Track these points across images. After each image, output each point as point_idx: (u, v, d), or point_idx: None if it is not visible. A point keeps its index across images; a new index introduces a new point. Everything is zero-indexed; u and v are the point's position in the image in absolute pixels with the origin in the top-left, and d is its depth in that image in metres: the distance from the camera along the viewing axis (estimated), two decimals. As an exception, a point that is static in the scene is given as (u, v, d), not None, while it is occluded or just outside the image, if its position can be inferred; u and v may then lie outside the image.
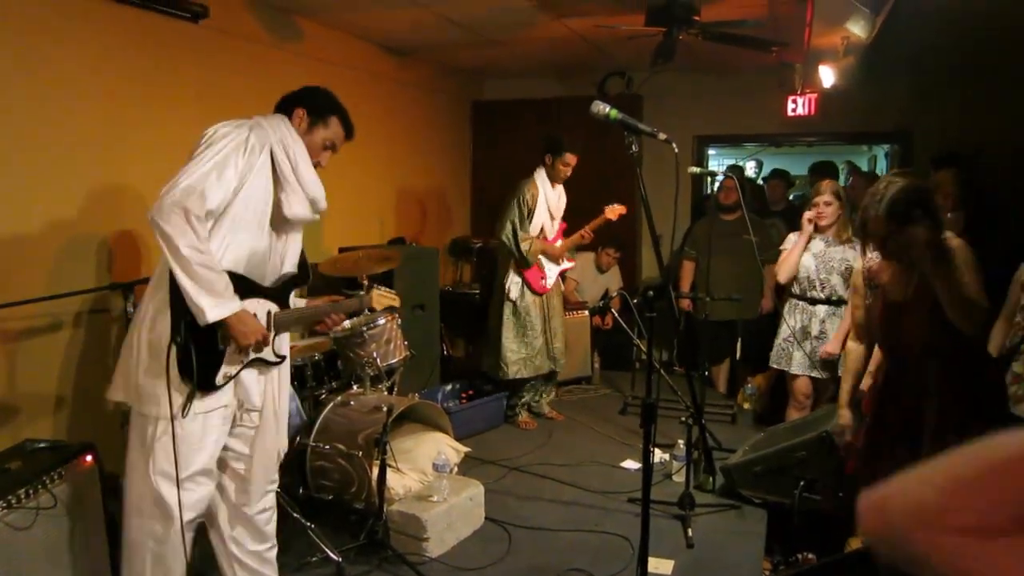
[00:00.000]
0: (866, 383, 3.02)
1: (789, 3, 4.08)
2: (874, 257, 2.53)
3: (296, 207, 2.29)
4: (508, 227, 4.51)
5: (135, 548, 2.20)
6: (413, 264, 4.92)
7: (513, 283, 4.60)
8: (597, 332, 5.73)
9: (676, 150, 2.42)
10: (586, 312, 5.62)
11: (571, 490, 3.75)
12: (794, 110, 5.73)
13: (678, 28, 4.10)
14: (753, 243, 4.19)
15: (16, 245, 2.94)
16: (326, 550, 2.89)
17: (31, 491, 2.28)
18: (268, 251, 2.29)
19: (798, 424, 3.71)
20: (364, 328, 3.56)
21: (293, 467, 3.24)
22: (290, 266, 2.41)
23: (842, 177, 7.31)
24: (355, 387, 3.65)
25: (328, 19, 4.65)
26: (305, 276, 2.49)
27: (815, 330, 3.85)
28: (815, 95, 5.61)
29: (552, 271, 4.68)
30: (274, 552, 2.54)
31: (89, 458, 2.51)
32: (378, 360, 3.53)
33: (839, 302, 3.81)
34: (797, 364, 3.89)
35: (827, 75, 4.64)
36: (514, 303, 4.61)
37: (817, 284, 3.84)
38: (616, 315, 5.04)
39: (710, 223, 5.19)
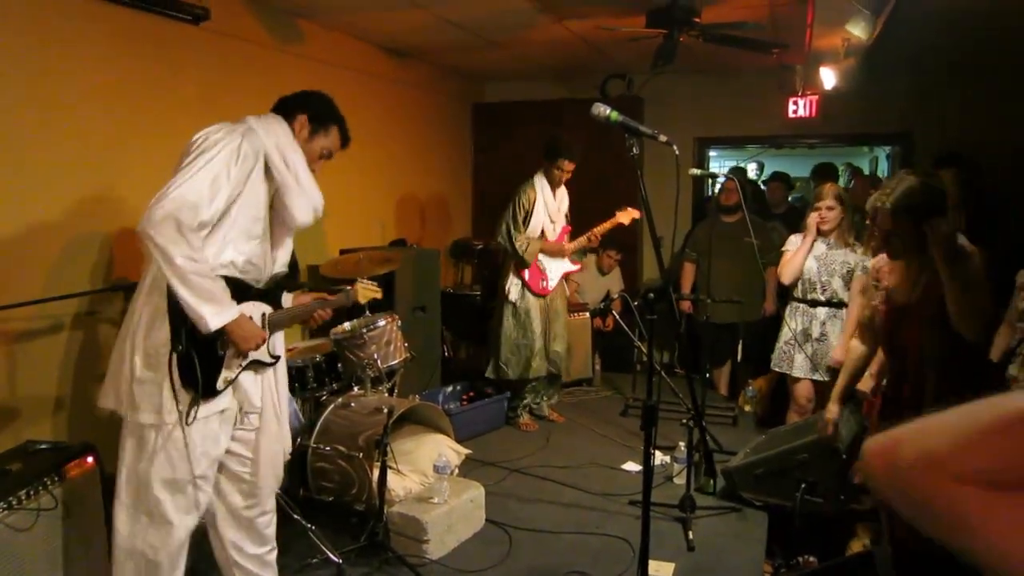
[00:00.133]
0: (866, 384, 3.01)
1: (789, 5, 4.09)
2: (884, 258, 2.52)
3: (301, 215, 2.28)
4: (503, 227, 4.55)
5: (129, 556, 2.17)
6: (414, 266, 4.92)
7: (513, 284, 4.61)
8: (598, 334, 5.73)
9: (677, 152, 2.42)
10: (587, 314, 5.62)
11: (572, 492, 3.74)
12: (795, 112, 5.74)
13: (679, 30, 4.10)
14: (754, 245, 4.19)
15: (17, 247, 2.95)
16: (326, 552, 2.89)
17: (32, 492, 2.28)
18: (264, 254, 2.29)
19: (799, 426, 3.70)
20: (364, 330, 3.56)
21: (294, 469, 3.24)
22: (281, 266, 2.40)
23: (843, 179, 7.30)
24: (356, 389, 3.65)
25: (329, 21, 4.66)
26: (295, 275, 2.50)
27: (816, 332, 3.85)
28: (816, 97, 5.61)
29: (554, 273, 4.67)
30: (274, 555, 2.54)
31: (90, 459, 2.51)
32: (379, 362, 3.53)
33: (840, 304, 3.81)
34: (799, 367, 3.89)
35: (828, 77, 4.65)
36: (514, 304, 4.61)
37: (818, 286, 3.84)
38: (617, 317, 5.04)
39: (711, 225, 5.19)
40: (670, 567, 2.98)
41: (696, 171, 5.03)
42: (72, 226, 3.17)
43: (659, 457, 4.00)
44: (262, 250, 2.27)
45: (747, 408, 5.03)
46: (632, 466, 4.07)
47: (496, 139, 6.84)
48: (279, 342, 2.43)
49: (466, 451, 3.69)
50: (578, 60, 5.85)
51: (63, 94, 3.12)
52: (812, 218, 3.81)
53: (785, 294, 4.12)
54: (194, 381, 2.11)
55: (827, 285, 3.82)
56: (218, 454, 2.25)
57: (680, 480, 3.66)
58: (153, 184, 2.11)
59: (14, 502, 2.22)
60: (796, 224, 4.19)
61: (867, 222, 3.37)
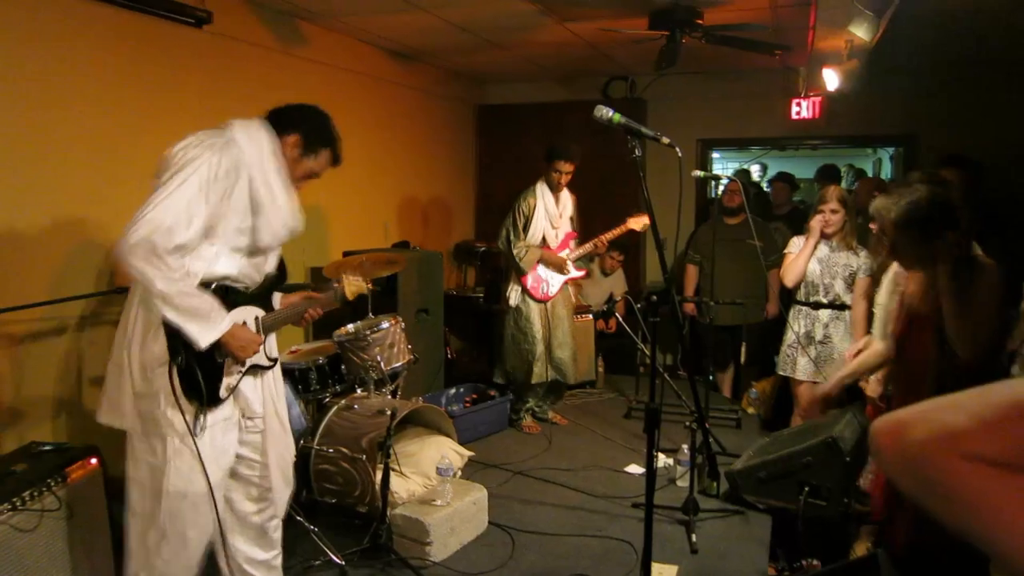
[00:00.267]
0: (875, 390, 3.00)
1: (792, 6, 4.08)
2: None
3: (267, 237, 2.21)
4: (503, 234, 4.56)
5: (144, 569, 2.14)
6: (417, 268, 4.93)
7: (513, 290, 4.62)
8: (601, 336, 5.73)
9: (680, 154, 2.42)
10: (590, 316, 5.61)
11: (575, 494, 3.74)
12: (798, 113, 5.73)
13: (681, 32, 4.10)
14: (757, 247, 4.19)
15: (22, 249, 2.95)
16: (329, 554, 2.89)
17: (35, 493, 2.29)
18: (256, 262, 2.27)
19: (803, 429, 3.69)
20: (368, 332, 3.56)
21: (297, 471, 3.24)
22: (270, 267, 2.38)
23: (845, 181, 7.29)
24: (359, 391, 3.65)
25: (332, 23, 4.67)
26: (283, 276, 2.47)
27: (819, 335, 3.84)
28: (819, 98, 5.60)
29: (555, 279, 4.66)
30: (280, 559, 2.52)
31: (93, 461, 2.52)
32: (382, 364, 3.53)
33: (842, 307, 3.80)
34: (802, 370, 3.88)
35: (831, 78, 4.64)
36: (515, 309, 4.61)
37: (820, 289, 3.83)
38: (620, 319, 5.04)
39: (714, 227, 5.18)
40: (673, 570, 2.97)
41: (699, 173, 5.02)
42: (77, 229, 3.18)
43: (662, 460, 3.99)
44: (251, 259, 2.25)
45: (750, 410, 5.02)
46: (635, 468, 4.07)
47: (499, 141, 6.84)
48: (272, 344, 2.42)
49: (469, 453, 3.69)
50: (581, 62, 5.85)
51: (66, 97, 3.13)
52: (815, 220, 3.81)
53: (788, 296, 4.11)
54: (198, 391, 2.09)
55: (829, 288, 3.82)
56: (228, 462, 2.23)
57: (683, 483, 3.66)
58: (156, 187, 2.10)
59: (18, 503, 2.23)
60: (799, 225, 4.18)
61: (870, 226, 3.37)
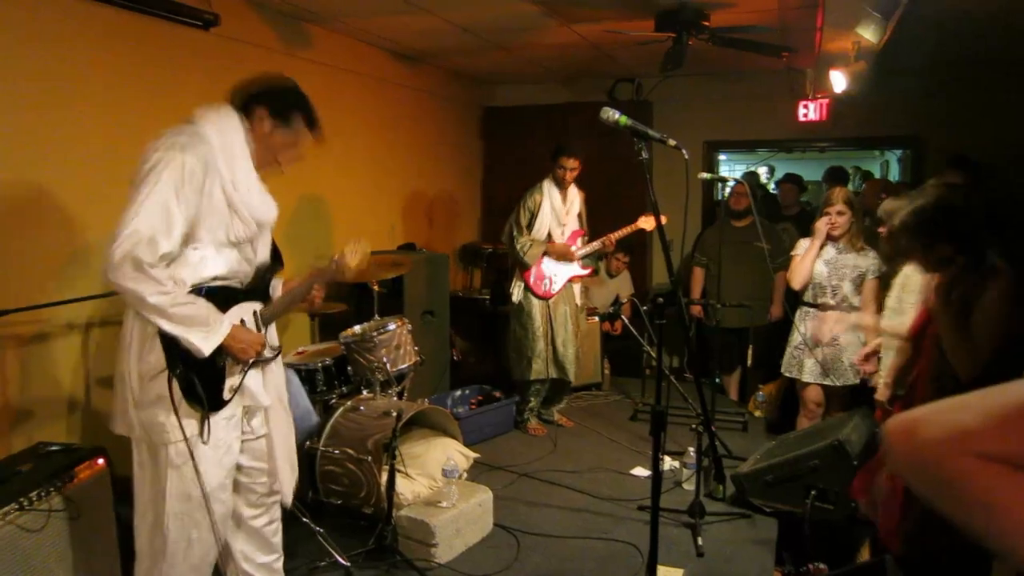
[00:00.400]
0: (882, 394, 2.99)
1: (799, 8, 4.07)
2: None
3: (240, 230, 2.15)
4: (507, 228, 4.58)
5: (150, 570, 2.14)
6: (423, 270, 4.94)
7: (516, 286, 4.63)
8: (607, 338, 5.72)
9: (686, 156, 2.42)
10: (596, 318, 5.61)
11: (580, 497, 3.73)
12: (805, 115, 5.72)
13: (688, 33, 4.10)
14: (764, 250, 4.17)
15: (30, 250, 2.97)
16: (335, 555, 2.89)
17: (43, 494, 2.30)
18: (244, 256, 2.22)
19: (810, 432, 3.68)
20: (374, 333, 3.57)
21: (303, 471, 3.25)
22: (263, 257, 2.32)
23: (853, 183, 7.27)
24: (365, 392, 3.66)
25: (338, 26, 4.68)
26: (279, 262, 2.41)
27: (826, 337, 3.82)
28: (826, 100, 5.59)
29: (558, 276, 4.65)
30: (281, 562, 2.51)
31: (100, 461, 2.53)
32: (388, 365, 3.53)
33: (849, 309, 3.78)
34: (808, 372, 3.87)
35: (838, 80, 4.62)
36: (516, 305, 4.62)
37: (828, 291, 3.82)
38: (626, 321, 5.03)
39: (720, 230, 5.18)
40: (679, 573, 2.96)
41: (706, 175, 5.02)
42: (84, 229, 3.19)
43: (668, 462, 3.98)
44: (241, 252, 2.21)
45: (757, 413, 5.00)
46: (641, 471, 4.06)
47: (505, 143, 6.85)
48: (273, 333, 2.38)
49: (474, 455, 3.69)
50: (586, 64, 5.85)
51: (73, 99, 3.15)
52: (821, 222, 3.80)
53: (795, 298, 4.10)
54: (199, 398, 2.06)
55: (837, 289, 3.80)
56: (232, 462, 2.21)
57: (689, 486, 3.65)
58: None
59: (25, 503, 2.24)
60: (807, 226, 4.17)
61: (879, 229, 3.36)
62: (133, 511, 2.17)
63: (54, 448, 2.56)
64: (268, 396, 2.32)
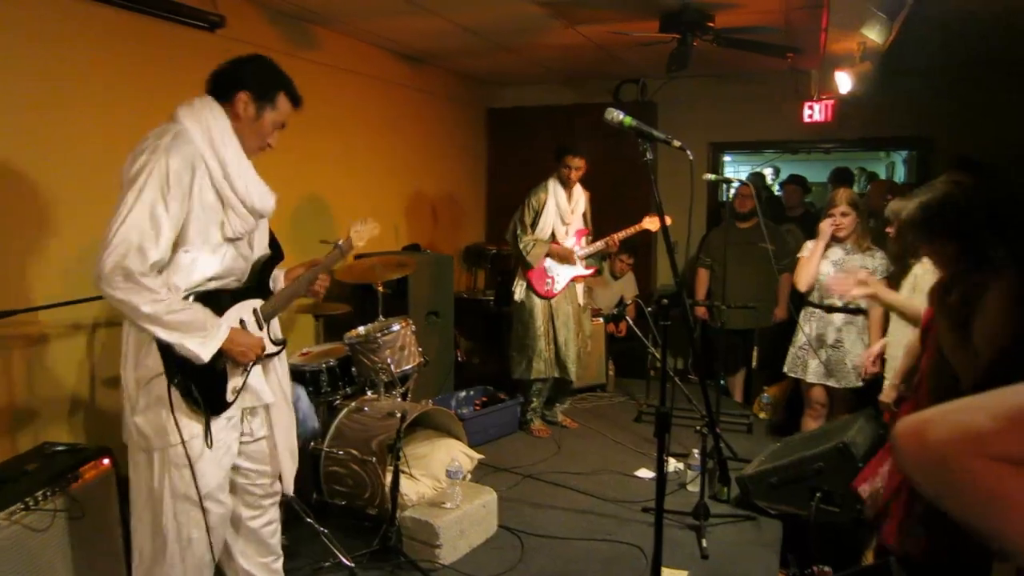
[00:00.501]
0: (888, 396, 2.97)
1: (804, 9, 4.07)
2: None
3: (237, 226, 2.10)
4: (511, 227, 4.58)
5: (149, 570, 2.12)
6: (428, 270, 4.94)
7: (518, 285, 4.63)
8: (611, 339, 5.72)
9: (691, 157, 2.41)
10: (600, 319, 5.60)
11: (585, 498, 3.73)
12: (810, 116, 5.70)
13: (692, 34, 4.10)
14: (769, 251, 4.16)
15: (37, 251, 2.98)
16: (339, 555, 2.89)
17: (48, 493, 2.31)
18: (239, 253, 2.18)
19: (815, 434, 3.67)
20: (378, 334, 3.57)
21: (307, 472, 3.25)
22: (261, 250, 2.27)
23: (858, 185, 7.25)
24: (369, 393, 3.66)
25: (344, 27, 4.69)
26: (279, 254, 2.35)
27: (831, 338, 3.81)
28: (832, 101, 5.57)
29: (561, 276, 4.64)
30: (280, 563, 2.48)
31: (106, 461, 2.54)
32: (392, 366, 3.54)
33: (856, 311, 3.77)
34: (812, 372, 3.86)
35: (843, 81, 4.61)
36: (519, 304, 4.62)
37: (834, 292, 3.80)
38: (630, 323, 5.02)
39: (725, 231, 5.17)
40: (683, 575, 2.95)
41: (710, 176, 5.01)
42: (89, 230, 3.19)
43: (673, 464, 3.97)
44: (237, 249, 2.16)
45: (762, 415, 4.99)
46: (645, 473, 4.05)
47: (510, 144, 6.85)
48: (276, 327, 2.34)
49: (479, 456, 3.69)
50: (591, 65, 5.85)
51: (78, 100, 3.16)
52: (825, 223, 3.79)
53: (800, 300, 4.09)
54: (200, 402, 2.04)
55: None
56: (230, 462, 2.19)
57: (694, 487, 3.64)
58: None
59: (31, 503, 2.24)
60: (812, 227, 4.16)
61: (887, 230, 3.34)
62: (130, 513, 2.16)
63: (59, 448, 2.58)
64: (271, 392, 2.29)
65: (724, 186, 6.43)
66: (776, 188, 7.72)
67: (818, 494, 3.18)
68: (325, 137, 4.74)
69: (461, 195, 6.63)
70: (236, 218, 2.09)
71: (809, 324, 3.89)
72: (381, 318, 3.76)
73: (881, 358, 3.39)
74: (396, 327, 3.64)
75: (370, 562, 2.97)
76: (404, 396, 3.77)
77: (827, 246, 3.81)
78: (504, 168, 6.91)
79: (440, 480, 3.35)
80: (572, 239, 4.66)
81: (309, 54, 4.53)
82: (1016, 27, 4.29)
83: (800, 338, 3.93)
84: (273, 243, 2.34)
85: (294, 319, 4.53)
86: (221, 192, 2.05)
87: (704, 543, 3.18)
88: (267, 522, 2.40)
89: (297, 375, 3.58)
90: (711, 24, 4.10)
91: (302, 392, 3.42)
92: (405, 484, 3.19)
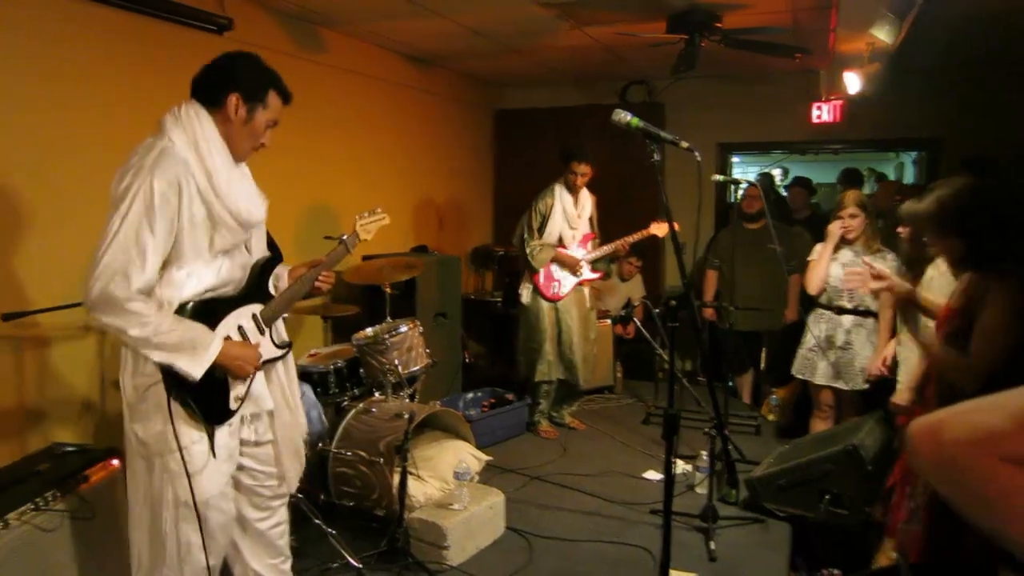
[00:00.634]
0: (903, 398, 2.95)
1: (812, 9, 4.05)
2: None
3: (227, 239, 2.06)
4: (517, 231, 4.59)
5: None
6: (435, 272, 4.94)
7: (525, 288, 4.64)
8: (620, 341, 5.71)
9: (699, 158, 2.40)
10: (608, 321, 5.59)
11: (592, 500, 3.72)
12: (819, 117, 5.68)
13: (700, 35, 4.09)
14: (778, 252, 4.15)
15: (47, 253, 3.00)
16: (347, 556, 2.90)
17: (58, 494, 2.32)
18: (235, 262, 2.13)
19: (824, 436, 3.65)
20: (386, 336, 3.58)
21: (315, 473, 3.26)
22: (259, 252, 2.22)
23: (868, 186, 7.21)
24: (377, 394, 3.66)
25: (351, 29, 4.71)
26: (277, 255, 2.30)
27: (840, 340, 3.79)
28: (841, 102, 5.55)
29: (567, 279, 4.64)
30: (288, 564, 2.47)
31: (115, 462, 2.55)
32: (400, 367, 3.54)
33: (866, 313, 3.75)
34: (821, 374, 3.84)
35: (852, 81, 4.59)
36: (525, 307, 4.62)
37: (845, 294, 3.78)
38: (638, 324, 5.01)
39: (734, 232, 5.15)
40: (691, 577, 2.94)
41: (719, 177, 4.99)
42: (99, 232, 3.22)
43: (681, 466, 3.96)
44: (234, 260, 2.13)
45: (770, 417, 4.97)
46: (653, 475, 4.04)
47: (517, 145, 6.86)
48: (281, 329, 2.31)
49: (486, 457, 3.69)
50: (598, 66, 5.84)
51: (89, 104, 3.18)
52: (835, 225, 3.77)
53: (810, 302, 4.07)
54: (202, 417, 2.02)
55: (854, 293, 3.76)
56: (231, 469, 2.17)
57: (702, 490, 3.63)
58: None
59: (41, 503, 2.26)
60: (818, 229, 4.14)
61: (898, 230, 3.32)
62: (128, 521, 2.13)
63: (69, 449, 2.59)
64: (272, 399, 2.26)
65: (732, 187, 6.42)
66: (782, 190, 7.68)
67: (827, 496, 3.17)
68: (332, 139, 4.75)
69: (468, 197, 6.63)
70: (225, 231, 2.05)
71: (818, 326, 3.87)
72: (389, 319, 3.77)
73: (893, 359, 3.37)
74: (404, 328, 3.64)
75: (378, 563, 2.98)
76: (412, 397, 3.77)
77: (836, 248, 3.79)
78: (511, 169, 6.91)
79: (448, 481, 3.35)
80: (579, 245, 4.66)
81: (317, 56, 4.55)
82: (1026, 26, 4.26)
83: (809, 340, 3.91)
84: (271, 244, 2.31)
85: (302, 320, 4.54)
86: (209, 206, 2.00)
87: (712, 545, 3.17)
88: (275, 524, 2.38)
89: (305, 376, 3.59)
90: (719, 25, 4.09)
91: (307, 389, 3.43)
92: (413, 485, 3.19)
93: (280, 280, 2.35)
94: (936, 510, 2.02)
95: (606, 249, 4.65)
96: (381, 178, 5.28)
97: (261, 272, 2.23)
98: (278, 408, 2.30)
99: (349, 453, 3.27)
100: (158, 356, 1.92)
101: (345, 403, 3.62)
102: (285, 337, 2.32)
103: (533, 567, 3.06)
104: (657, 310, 4.60)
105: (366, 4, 4.10)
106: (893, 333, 3.51)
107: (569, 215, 4.56)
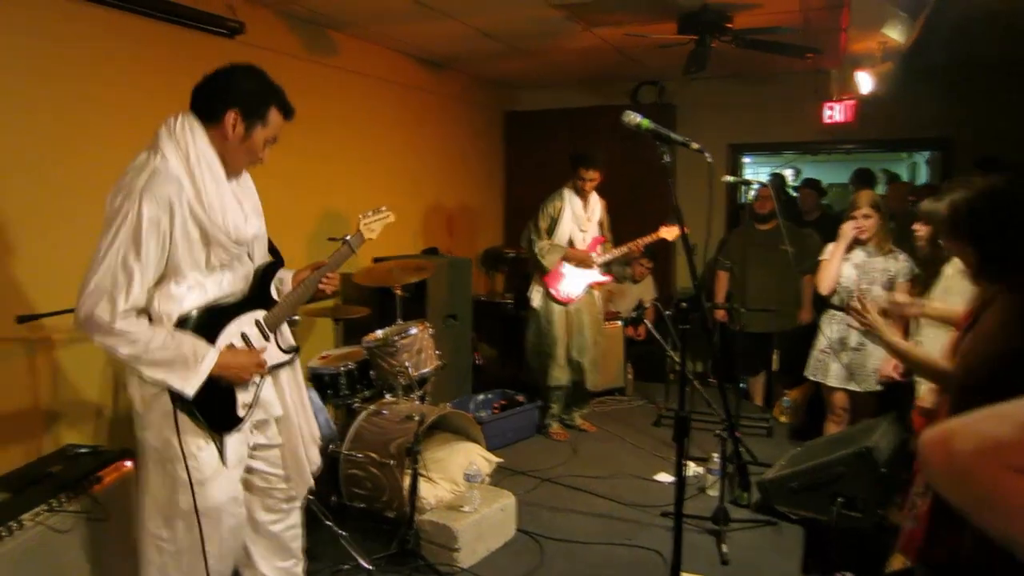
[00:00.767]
0: (929, 400, 2.92)
1: (823, 9, 4.03)
2: None
3: (222, 256, 2.04)
4: (525, 232, 4.60)
5: None
6: (446, 274, 4.95)
7: (535, 291, 4.63)
8: (630, 343, 5.69)
9: (710, 159, 2.39)
10: (619, 323, 5.58)
11: (603, 502, 3.71)
12: (830, 117, 5.64)
13: (711, 36, 4.07)
14: (789, 253, 4.12)
15: (60, 256, 3.02)
16: (357, 558, 2.90)
17: (71, 495, 2.33)
18: (236, 272, 2.12)
19: (836, 439, 3.62)
20: (396, 338, 3.58)
21: (326, 475, 3.26)
22: (260, 258, 2.20)
23: (880, 186, 7.15)
24: (387, 396, 3.67)
25: (362, 32, 4.72)
26: (279, 260, 2.28)
27: (853, 342, 3.76)
28: (852, 102, 5.51)
29: (578, 282, 4.64)
30: (301, 567, 2.46)
31: (128, 463, 2.56)
32: (410, 369, 3.54)
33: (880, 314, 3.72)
34: (834, 376, 3.81)
35: (864, 81, 4.56)
36: (536, 311, 4.61)
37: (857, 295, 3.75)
38: (650, 326, 5.00)
39: (745, 233, 5.13)
40: (703, 580, 2.93)
41: (730, 178, 4.96)
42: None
43: (692, 468, 3.94)
44: (235, 271, 2.11)
45: (782, 419, 4.94)
46: (664, 477, 4.03)
47: (528, 147, 6.85)
48: (287, 333, 2.30)
49: (497, 460, 3.68)
50: (609, 67, 5.84)
51: (100, 107, 3.21)
52: (848, 225, 3.74)
53: (822, 302, 4.04)
54: (209, 427, 2.02)
55: (867, 294, 3.73)
56: (240, 475, 2.16)
57: (714, 492, 3.61)
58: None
59: (55, 504, 2.27)
60: (829, 230, 4.11)
61: (913, 227, 3.29)
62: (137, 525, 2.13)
63: (82, 450, 2.61)
64: (280, 404, 2.25)
65: (743, 188, 6.39)
66: (792, 191, 7.64)
67: (840, 499, 3.14)
68: (343, 141, 4.77)
69: (479, 198, 6.64)
70: (220, 249, 2.03)
71: (831, 327, 3.84)
72: (399, 321, 3.77)
73: None
74: (414, 330, 3.65)
75: (388, 565, 2.98)
76: (422, 399, 3.78)
77: (849, 248, 3.76)
78: (522, 171, 6.91)
79: (458, 483, 3.35)
80: (589, 247, 4.65)
81: (327, 59, 4.57)
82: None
83: (822, 341, 3.89)
84: (272, 249, 2.29)
85: (313, 322, 4.56)
86: (201, 224, 1.97)
87: (724, 548, 3.15)
88: (288, 526, 2.38)
89: (316, 378, 3.61)
90: (729, 25, 4.08)
91: (314, 395, 3.44)
92: (423, 487, 3.19)
93: (284, 284, 2.32)
94: (936, 510, 2.00)
95: (617, 252, 4.65)
96: (392, 180, 5.29)
97: (262, 278, 2.21)
98: (287, 413, 2.29)
99: (360, 455, 3.27)
100: (150, 372, 1.92)
101: (356, 405, 3.63)
102: (292, 341, 2.31)
103: (544, 569, 3.05)
104: (668, 312, 4.59)
105: (376, 7, 4.11)
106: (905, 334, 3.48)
107: (579, 218, 4.56)
